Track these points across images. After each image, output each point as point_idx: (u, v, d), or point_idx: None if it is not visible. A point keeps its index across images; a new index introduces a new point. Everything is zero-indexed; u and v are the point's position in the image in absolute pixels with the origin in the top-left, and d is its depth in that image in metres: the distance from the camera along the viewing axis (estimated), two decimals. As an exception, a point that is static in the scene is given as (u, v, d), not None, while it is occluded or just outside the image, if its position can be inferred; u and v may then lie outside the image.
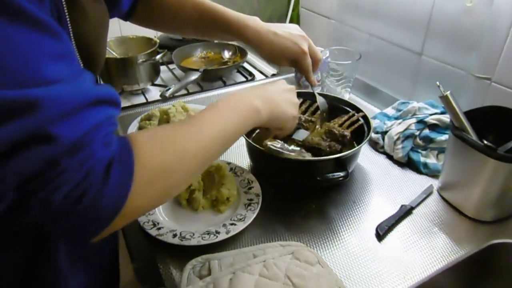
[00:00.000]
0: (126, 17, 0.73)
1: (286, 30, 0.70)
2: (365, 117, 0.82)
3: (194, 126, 0.47)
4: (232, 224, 0.66)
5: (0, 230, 0.43)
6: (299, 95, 0.74)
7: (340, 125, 0.83)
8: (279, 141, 0.79)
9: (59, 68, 0.34)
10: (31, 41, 0.32)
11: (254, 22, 0.70)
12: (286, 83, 0.66)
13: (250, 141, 0.75)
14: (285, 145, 0.79)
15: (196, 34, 0.77)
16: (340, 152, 0.76)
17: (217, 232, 0.64)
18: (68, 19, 0.41)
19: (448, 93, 0.67)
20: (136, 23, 0.76)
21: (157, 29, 0.82)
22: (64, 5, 0.40)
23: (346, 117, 0.84)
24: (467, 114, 0.68)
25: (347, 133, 0.79)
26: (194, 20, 0.71)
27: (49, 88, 0.33)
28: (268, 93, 0.59)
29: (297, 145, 0.80)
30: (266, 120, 0.57)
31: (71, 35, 0.42)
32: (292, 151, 0.78)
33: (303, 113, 0.86)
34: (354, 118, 0.83)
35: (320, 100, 0.81)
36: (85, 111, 0.35)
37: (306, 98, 0.88)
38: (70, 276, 0.53)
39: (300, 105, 0.86)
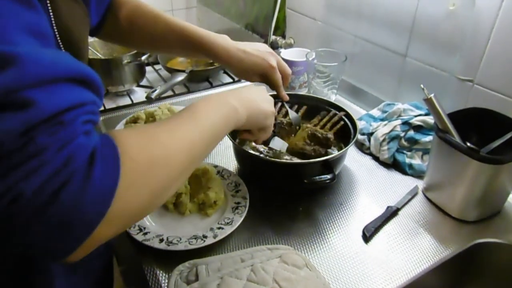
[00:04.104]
0: (93, 32, 0.71)
1: (255, 48, 0.71)
2: (351, 119, 0.82)
3: (179, 123, 0.44)
4: (219, 228, 0.66)
5: None
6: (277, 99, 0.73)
7: (322, 127, 0.83)
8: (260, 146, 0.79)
9: (31, 40, 0.30)
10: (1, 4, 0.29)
11: (224, 40, 0.71)
12: (256, 85, 0.66)
13: (237, 143, 0.75)
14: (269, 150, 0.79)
15: (167, 51, 0.77)
16: (325, 155, 0.76)
17: (205, 237, 0.64)
18: (50, 10, 0.39)
19: (432, 95, 0.68)
20: (103, 39, 0.75)
21: (126, 46, 0.81)
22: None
23: (327, 117, 0.84)
24: (451, 116, 0.70)
25: (330, 135, 0.79)
26: (166, 37, 0.71)
27: (28, 47, 0.28)
28: (242, 93, 0.59)
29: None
30: (245, 119, 0.56)
31: (54, 26, 0.40)
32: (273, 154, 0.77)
33: (284, 117, 0.85)
34: (336, 118, 0.83)
35: (292, 115, 0.80)
36: (67, 85, 0.30)
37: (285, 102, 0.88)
38: (64, 285, 0.52)
39: (280, 109, 0.86)
